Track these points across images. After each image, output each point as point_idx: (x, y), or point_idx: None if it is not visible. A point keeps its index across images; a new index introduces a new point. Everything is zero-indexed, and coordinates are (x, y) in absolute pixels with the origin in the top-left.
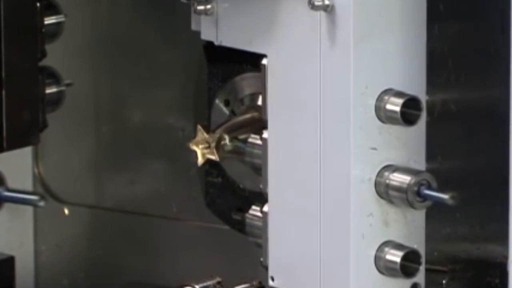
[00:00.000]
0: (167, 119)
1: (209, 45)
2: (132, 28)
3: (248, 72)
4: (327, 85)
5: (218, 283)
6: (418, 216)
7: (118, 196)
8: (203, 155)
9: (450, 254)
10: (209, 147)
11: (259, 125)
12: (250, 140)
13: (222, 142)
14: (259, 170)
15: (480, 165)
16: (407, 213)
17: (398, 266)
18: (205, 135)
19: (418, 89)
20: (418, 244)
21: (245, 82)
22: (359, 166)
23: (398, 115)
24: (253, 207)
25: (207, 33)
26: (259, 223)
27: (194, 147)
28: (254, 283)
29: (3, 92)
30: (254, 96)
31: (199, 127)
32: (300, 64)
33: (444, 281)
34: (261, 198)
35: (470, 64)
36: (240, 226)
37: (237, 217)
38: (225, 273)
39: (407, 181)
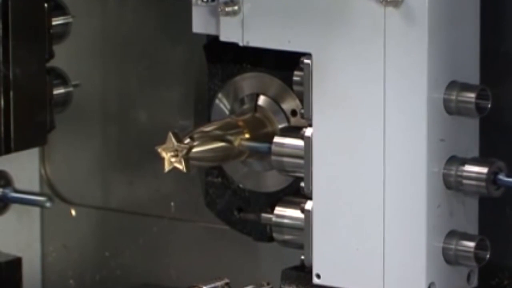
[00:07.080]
0: (168, 119)
1: (209, 45)
2: (137, 29)
3: (248, 72)
4: (394, 80)
5: (226, 284)
6: (474, 204)
7: (125, 197)
8: (170, 162)
9: None
10: (177, 155)
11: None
12: (276, 140)
13: (191, 154)
14: (287, 169)
15: None
16: (466, 202)
17: (472, 255)
18: (175, 143)
19: (474, 80)
20: (474, 231)
21: (245, 82)
22: (431, 158)
23: (473, 106)
24: (277, 207)
25: (229, 34)
26: (292, 222)
27: (163, 153)
28: (263, 283)
29: (11, 93)
30: (254, 96)
31: (169, 134)
32: (360, 61)
33: None
34: (262, 199)
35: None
36: (240, 226)
37: (246, 217)
38: (226, 273)
39: (485, 171)
